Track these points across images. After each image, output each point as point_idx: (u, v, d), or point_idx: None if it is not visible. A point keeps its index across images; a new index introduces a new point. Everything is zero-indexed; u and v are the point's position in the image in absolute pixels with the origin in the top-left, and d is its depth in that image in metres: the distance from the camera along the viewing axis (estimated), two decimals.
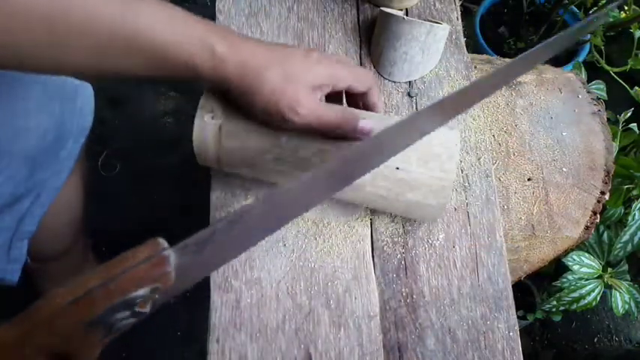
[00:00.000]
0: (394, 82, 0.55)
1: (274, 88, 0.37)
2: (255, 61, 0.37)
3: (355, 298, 0.45)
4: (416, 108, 0.54)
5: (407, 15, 0.58)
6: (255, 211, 0.27)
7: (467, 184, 0.50)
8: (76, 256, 0.85)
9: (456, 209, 0.49)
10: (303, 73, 0.38)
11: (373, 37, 0.55)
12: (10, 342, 0.23)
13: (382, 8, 0.54)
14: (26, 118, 0.55)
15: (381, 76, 0.55)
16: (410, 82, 0.55)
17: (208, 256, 0.27)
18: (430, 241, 0.48)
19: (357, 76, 0.41)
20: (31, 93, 0.56)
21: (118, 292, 0.24)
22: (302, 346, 0.43)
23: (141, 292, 0.24)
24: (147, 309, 0.25)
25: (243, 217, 0.27)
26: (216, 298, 0.44)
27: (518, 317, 0.46)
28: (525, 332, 1.00)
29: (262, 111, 0.38)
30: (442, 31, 0.51)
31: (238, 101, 0.39)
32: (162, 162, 1.18)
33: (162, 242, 0.25)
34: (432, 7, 0.60)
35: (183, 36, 0.35)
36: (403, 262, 0.47)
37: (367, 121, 0.40)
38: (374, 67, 0.55)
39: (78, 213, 0.77)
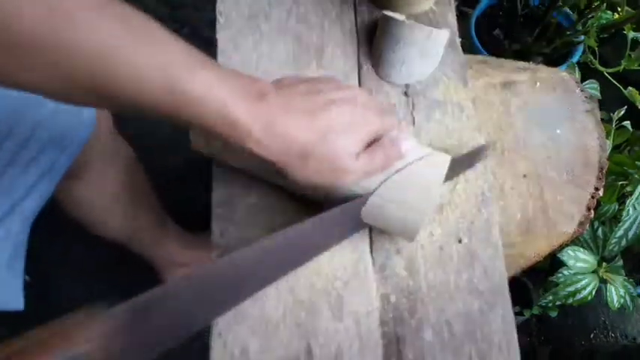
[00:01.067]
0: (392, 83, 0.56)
1: (321, 168, 0.37)
2: (297, 142, 0.35)
3: (354, 292, 0.46)
4: (412, 107, 0.55)
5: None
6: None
7: (463, 180, 0.51)
8: (149, 233, 0.88)
9: (452, 204, 0.50)
10: (348, 144, 0.37)
11: (374, 40, 0.56)
12: None
13: (384, 12, 0.55)
14: (32, 131, 0.57)
15: (380, 78, 0.56)
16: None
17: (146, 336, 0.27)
18: (427, 236, 0.49)
19: (389, 124, 0.41)
20: (42, 111, 0.58)
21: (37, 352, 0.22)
22: (302, 339, 0.44)
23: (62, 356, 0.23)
24: None
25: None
26: None
27: (515, 313, 0.47)
28: (522, 328, 1.01)
29: (302, 183, 0.38)
30: (442, 36, 0.52)
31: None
32: (162, 163, 1.19)
33: (95, 308, 0.25)
34: (429, 9, 0.61)
35: (220, 115, 0.33)
36: (401, 257, 0.48)
37: (406, 142, 0.41)
38: (373, 69, 0.56)
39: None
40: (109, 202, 0.78)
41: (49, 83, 0.30)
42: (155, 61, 0.31)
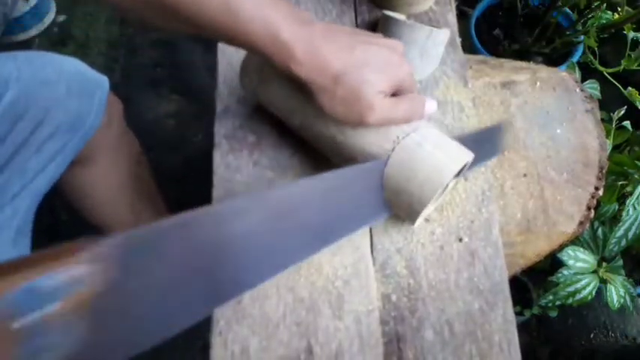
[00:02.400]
0: None
1: (348, 97, 0.38)
2: (332, 67, 0.38)
3: (354, 291, 0.46)
4: None
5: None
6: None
7: (463, 179, 0.51)
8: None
9: (452, 204, 0.50)
10: (378, 81, 0.39)
11: None
12: None
13: (384, 11, 0.55)
14: (45, 114, 0.57)
15: None
16: None
17: (156, 263, 0.26)
18: (428, 235, 0.49)
19: (414, 82, 0.43)
20: (55, 94, 0.58)
21: (30, 270, 0.21)
22: (303, 338, 0.44)
23: (52, 279, 0.22)
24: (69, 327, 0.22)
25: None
26: None
27: (515, 313, 0.47)
28: (522, 329, 1.01)
29: (327, 110, 0.40)
30: (442, 35, 0.52)
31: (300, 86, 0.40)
32: (163, 163, 1.19)
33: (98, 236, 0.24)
34: (429, 8, 0.61)
35: (268, 34, 0.36)
36: (401, 256, 0.48)
37: (432, 102, 0.42)
38: None
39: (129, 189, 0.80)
40: (115, 192, 0.78)
41: None
42: None
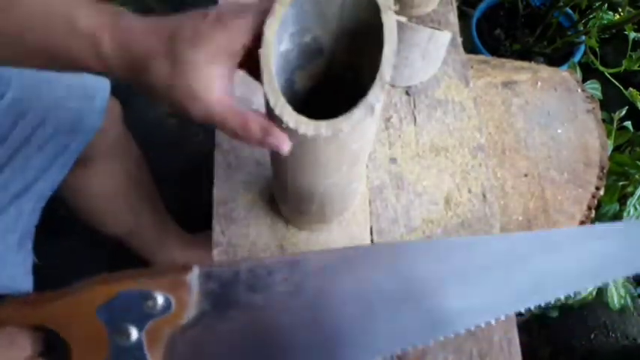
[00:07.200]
0: (394, 85, 0.56)
1: (163, 82, 0.30)
2: (138, 50, 0.29)
3: None
4: (414, 106, 0.55)
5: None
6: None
7: (464, 179, 0.51)
8: (150, 230, 0.89)
9: (454, 204, 0.50)
10: (194, 52, 0.29)
11: None
12: None
13: None
14: (46, 113, 0.58)
15: None
16: None
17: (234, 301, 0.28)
18: (428, 235, 0.49)
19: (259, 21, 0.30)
20: (56, 94, 0.59)
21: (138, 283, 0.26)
22: None
23: (157, 295, 0.26)
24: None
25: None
26: None
27: (515, 313, 0.47)
28: (523, 329, 1.00)
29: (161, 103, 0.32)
30: (444, 37, 0.52)
31: None
32: (164, 162, 1.19)
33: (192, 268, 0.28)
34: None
35: (67, 30, 0.30)
36: None
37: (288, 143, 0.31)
38: None
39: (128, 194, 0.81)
40: (115, 193, 0.79)
41: None
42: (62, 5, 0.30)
